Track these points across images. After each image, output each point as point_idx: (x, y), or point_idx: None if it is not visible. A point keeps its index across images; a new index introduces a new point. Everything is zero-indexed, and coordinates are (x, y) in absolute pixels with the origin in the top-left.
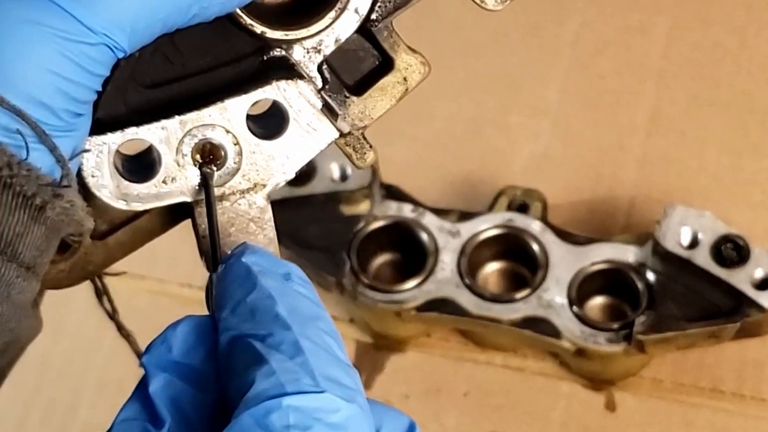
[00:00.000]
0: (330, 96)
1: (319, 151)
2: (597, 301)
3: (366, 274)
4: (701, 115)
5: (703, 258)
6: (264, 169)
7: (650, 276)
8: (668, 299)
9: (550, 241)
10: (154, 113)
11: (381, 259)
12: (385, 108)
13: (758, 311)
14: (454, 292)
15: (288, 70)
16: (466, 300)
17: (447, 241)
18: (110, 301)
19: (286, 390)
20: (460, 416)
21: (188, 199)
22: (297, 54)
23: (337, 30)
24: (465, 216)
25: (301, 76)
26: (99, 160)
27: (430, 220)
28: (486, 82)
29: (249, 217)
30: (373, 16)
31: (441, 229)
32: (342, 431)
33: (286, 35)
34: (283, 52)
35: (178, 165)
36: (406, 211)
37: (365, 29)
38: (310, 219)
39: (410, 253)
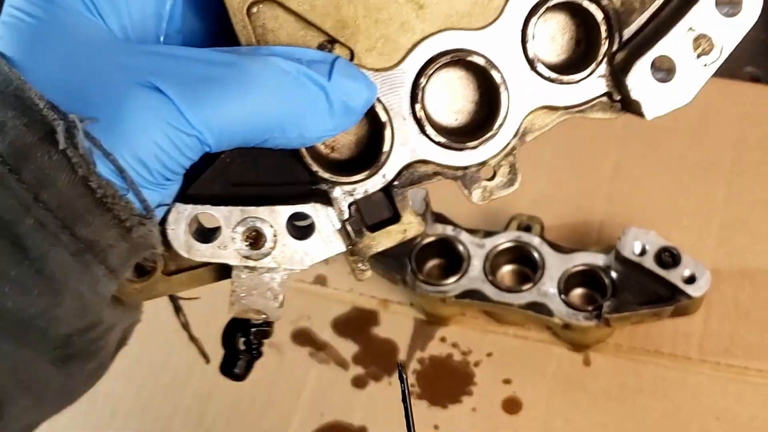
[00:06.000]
0: (351, 227)
1: (329, 257)
2: (578, 292)
3: (421, 273)
4: (650, 168)
5: (649, 262)
6: (288, 257)
7: (614, 274)
8: (626, 290)
9: (546, 251)
10: (228, 201)
11: (432, 263)
12: (386, 246)
13: (686, 298)
14: (481, 285)
15: (326, 199)
16: (489, 291)
17: (476, 251)
18: (183, 315)
19: None
20: (485, 369)
21: (231, 263)
22: (336, 192)
23: (368, 184)
24: (488, 234)
25: (331, 205)
26: (179, 220)
27: (464, 237)
28: None
29: (268, 287)
30: (396, 183)
31: (472, 243)
32: None
33: (332, 177)
34: (327, 187)
35: (231, 238)
36: (449, 230)
37: (388, 190)
38: None
39: (451, 259)
